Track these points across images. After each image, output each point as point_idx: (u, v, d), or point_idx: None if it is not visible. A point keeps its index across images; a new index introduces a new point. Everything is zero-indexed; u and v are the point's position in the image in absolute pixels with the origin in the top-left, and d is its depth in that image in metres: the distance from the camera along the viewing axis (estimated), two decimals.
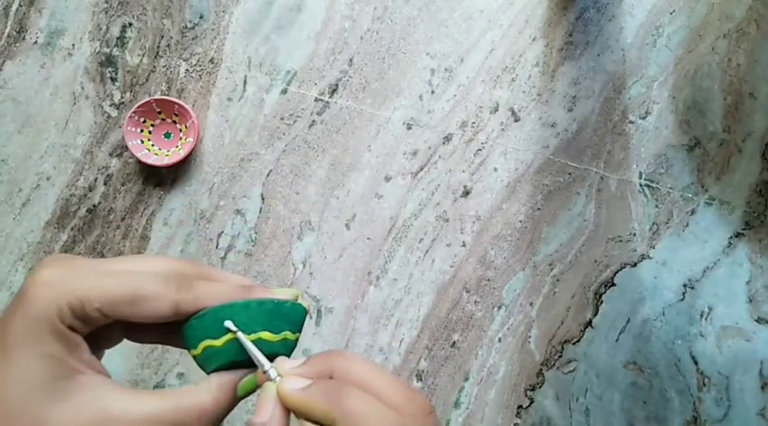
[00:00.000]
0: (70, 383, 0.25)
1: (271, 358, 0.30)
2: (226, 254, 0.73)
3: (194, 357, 0.30)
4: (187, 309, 0.27)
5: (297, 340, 0.32)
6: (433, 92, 0.74)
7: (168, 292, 0.27)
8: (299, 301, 0.31)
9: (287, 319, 0.31)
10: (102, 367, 0.27)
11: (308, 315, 0.33)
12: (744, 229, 0.72)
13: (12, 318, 0.25)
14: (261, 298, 0.30)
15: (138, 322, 0.27)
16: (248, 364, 0.30)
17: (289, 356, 0.31)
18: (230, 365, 0.30)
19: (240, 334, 0.29)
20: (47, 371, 0.24)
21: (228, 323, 0.29)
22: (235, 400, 0.29)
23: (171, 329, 0.29)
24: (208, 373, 0.30)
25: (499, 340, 0.72)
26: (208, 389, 0.29)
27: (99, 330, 0.28)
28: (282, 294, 0.31)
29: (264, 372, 0.29)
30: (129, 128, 0.70)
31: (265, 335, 0.30)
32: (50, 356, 0.24)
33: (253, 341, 0.29)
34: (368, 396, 0.25)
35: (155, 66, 0.74)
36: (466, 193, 0.73)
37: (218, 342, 0.29)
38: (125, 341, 0.31)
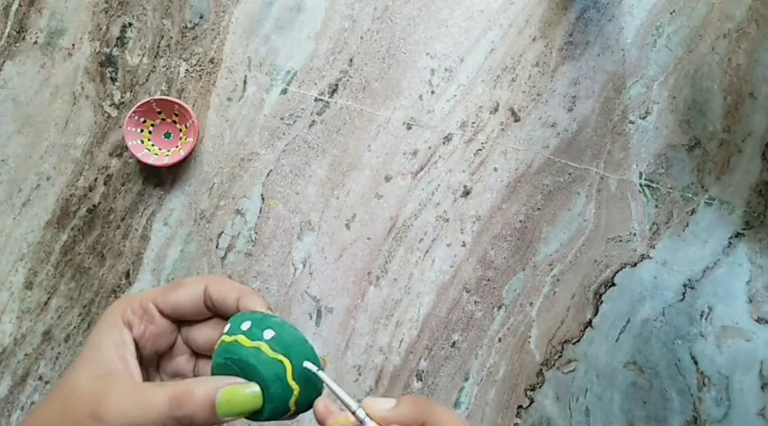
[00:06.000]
0: (108, 369, 0.31)
1: (242, 364, 0.30)
2: (226, 254, 0.73)
3: None
4: (213, 294, 0.34)
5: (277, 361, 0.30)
6: (433, 92, 0.74)
7: (201, 281, 0.35)
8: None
9: (267, 327, 0.31)
10: (136, 368, 0.33)
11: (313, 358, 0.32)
12: (744, 229, 0.72)
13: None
14: (253, 311, 0.32)
15: (186, 313, 0.34)
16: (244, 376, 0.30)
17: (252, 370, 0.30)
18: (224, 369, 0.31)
19: (322, 374, 0.30)
20: (100, 356, 0.32)
21: (308, 364, 0.30)
22: (210, 413, 0.29)
23: None
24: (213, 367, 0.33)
25: (499, 340, 0.72)
26: (164, 392, 0.29)
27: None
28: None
29: (353, 412, 0.28)
30: (129, 128, 0.70)
31: (240, 339, 0.30)
32: (108, 344, 0.32)
33: (230, 343, 0.31)
34: None
35: (155, 66, 0.74)
36: (466, 193, 0.73)
37: (227, 339, 0.32)
38: None
